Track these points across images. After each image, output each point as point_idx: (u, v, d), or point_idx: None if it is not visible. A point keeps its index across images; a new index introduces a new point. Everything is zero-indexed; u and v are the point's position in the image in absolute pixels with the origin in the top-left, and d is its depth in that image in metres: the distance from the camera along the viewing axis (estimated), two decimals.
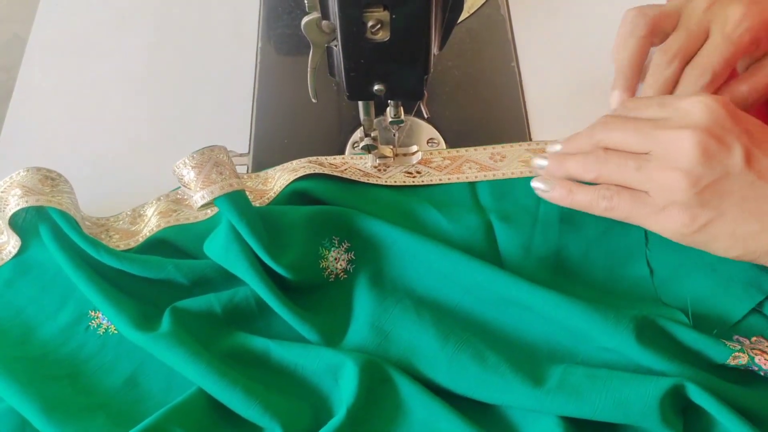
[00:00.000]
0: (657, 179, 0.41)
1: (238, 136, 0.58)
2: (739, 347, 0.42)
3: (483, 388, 0.42)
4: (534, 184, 0.46)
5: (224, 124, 0.60)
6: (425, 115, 0.53)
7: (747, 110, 0.46)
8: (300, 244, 0.46)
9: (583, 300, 0.43)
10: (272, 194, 0.51)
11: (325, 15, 0.43)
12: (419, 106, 0.52)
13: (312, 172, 0.51)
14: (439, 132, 0.57)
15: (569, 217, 0.49)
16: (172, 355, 0.43)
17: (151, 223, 0.51)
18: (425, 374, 0.43)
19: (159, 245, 0.49)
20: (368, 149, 0.53)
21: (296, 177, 0.51)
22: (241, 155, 0.57)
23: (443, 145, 0.56)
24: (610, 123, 0.44)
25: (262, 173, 0.54)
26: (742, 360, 0.41)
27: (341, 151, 0.56)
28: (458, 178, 0.52)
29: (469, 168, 0.53)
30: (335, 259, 0.48)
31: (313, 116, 0.59)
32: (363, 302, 0.46)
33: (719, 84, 0.49)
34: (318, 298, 0.47)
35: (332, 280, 0.48)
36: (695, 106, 0.42)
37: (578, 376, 0.41)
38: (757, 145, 0.41)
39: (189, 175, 0.44)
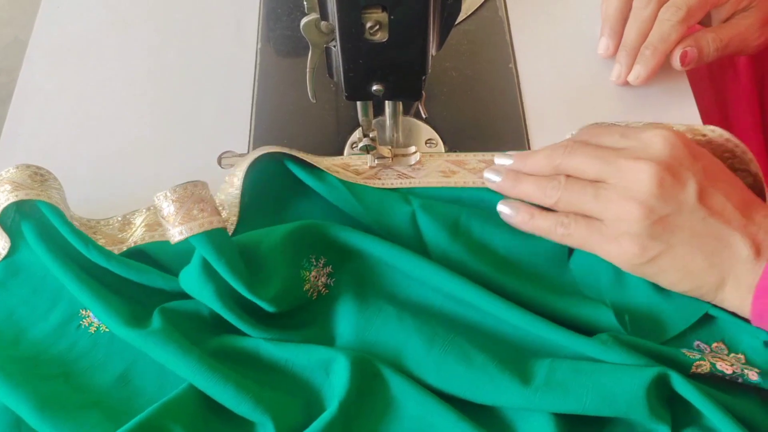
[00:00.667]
0: (612, 209, 0.42)
1: (237, 137, 0.59)
2: (700, 356, 0.42)
3: (472, 389, 0.42)
4: (500, 207, 0.48)
5: (224, 124, 0.60)
6: (423, 116, 0.53)
7: (707, 62, 0.54)
8: (281, 273, 0.46)
9: (548, 309, 0.44)
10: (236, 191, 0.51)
11: (323, 16, 0.43)
12: (417, 106, 0.53)
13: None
14: (437, 133, 0.57)
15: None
16: (163, 351, 0.43)
17: (136, 234, 0.51)
18: (415, 377, 0.43)
19: (141, 257, 0.49)
20: (367, 149, 0.53)
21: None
22: (240, 156, 0.58)
23: (441, 145, 0.56)
24: (572, 148, 0.45)
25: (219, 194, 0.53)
26: (705, 368, 0.42)
27: (340, 151, 0.57)
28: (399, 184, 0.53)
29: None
30: (315, 277, 0.47)
31: (312, 117, 0.59)
32: (346, 315, 0.46)
33: (693, 22, 0.53)
34: (302, 317, 0.47)
35: (315, 297, 0.48)
36: (656, 138, 0.43)
37: (564, 371, 0.41)
38: (712, 183, 0.42)
39: (169, 208, 0.43)
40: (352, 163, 0.54)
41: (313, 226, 0.48)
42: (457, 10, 0.46)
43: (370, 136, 0.52)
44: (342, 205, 0.50)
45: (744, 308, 0.42)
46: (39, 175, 0.49)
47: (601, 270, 0.47)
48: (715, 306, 0.44)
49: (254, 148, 0.57)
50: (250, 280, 0.44)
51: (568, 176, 0.45)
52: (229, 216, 0.51)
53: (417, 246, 0.48)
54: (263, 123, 0.59)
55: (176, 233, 0.43)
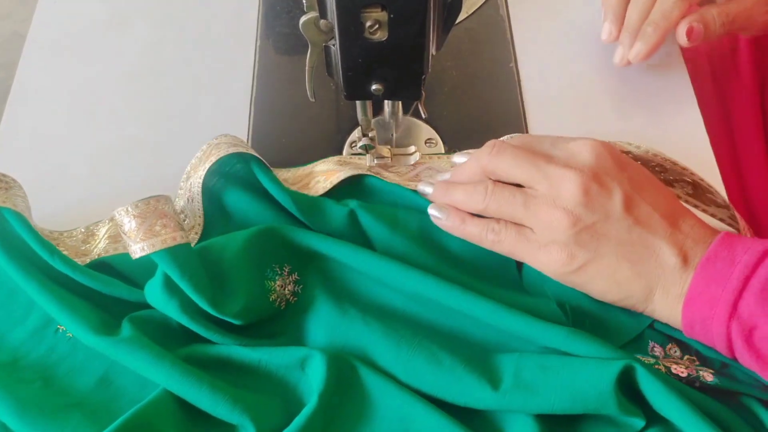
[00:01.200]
0: (541, 217, 0.42)
1: (236, 134, 0.58)
2: (654, 360, 0.42)
3: (443, 390, 0.41)
4: (430, 210, 0.47)
5: (222, 122, 0.59)
6: (423, 115, 0.53)
7: (714, 38, 0.54)
8: (246, 286, 0.45)
9: (515, 308, 0.43)
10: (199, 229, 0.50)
11: (323, 14, 0.43)
12: (417, 105, 0.52)
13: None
14: (437, 132, 0.57)
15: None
16: (134, 358, 0.42)
17: (99, 246, 0.51)
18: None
19: (105, 269, 0.49)
20: (366, 149, 0.53)
21: (205, 168, 0.50)
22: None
23: (441, 145, 0.56)
24: (500, 148, 0.45)
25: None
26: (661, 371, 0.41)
27: (339, 151, 0.56)
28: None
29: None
30: (281, 286, 0.47)
31: (311, 115, 0.59)
32: (315, 322, 0.46)
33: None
34: (272, 327, 0.47)
35: (283, 307, 0.47)
36: (583, 148, 0.43)
37: (531, 369, 0.41)
38: (638, 192, 0.42)
39: (130, 224, 0.42)
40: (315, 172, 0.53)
41: (274, 231, 0.47)
42: (458, 9, 0.46)
43: (369, 135, 0.52)
44: (288, 206, 0.49)
45: (674, 318, 0.41)
46: (3, 182, 0.49)
47: (549, 281, 0.46)
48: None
49: (253, 146, 0.57)
50: (214, 296, 0.43)
51: (496, 182, 0.45)
52: (194, 223, 0.50)
53: (361, 242, 0.48)
54: (262, 121, 0.59)
55: (138, 249, 0.42)
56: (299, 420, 0.40)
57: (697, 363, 0.43)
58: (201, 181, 0.49)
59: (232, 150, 0.49)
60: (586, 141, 0.43)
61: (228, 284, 0.44)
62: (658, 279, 0.41)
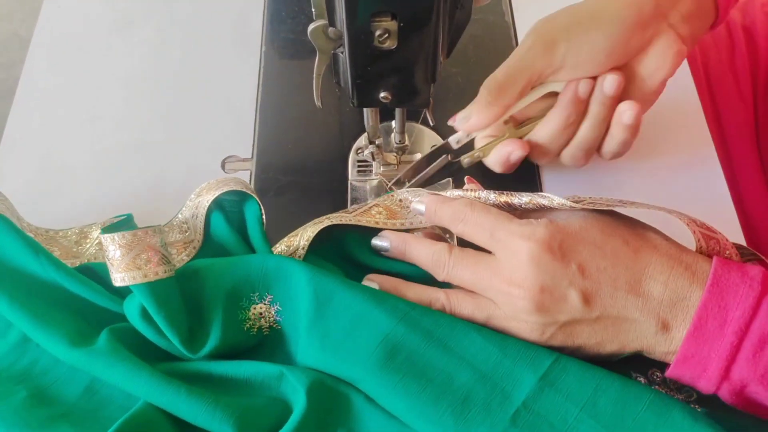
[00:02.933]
0: (506, 310, 0.41)
1: (241, 141, 0.58)
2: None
3: (420, 422, 0.40)
4: (374, 241, 0.47)
5: (227, 127, 0.59)
6: (430, 123, 0.53)
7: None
8: (220, 321, 0.44)
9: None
10: (197, 243, 0.50)
11: (332, 22, 0.43)
12: (425, 113, 0.52)
13: (214, 196, 0.49)
14: (443, 139, 0.57)
15: None
16: (112, 370, 0.42)
17: (89, 251, 0.50)
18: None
19: (90, 275, 0.48)
20: (372, 156, 0.53)
21: (201, 214, 0.50)
22: (244, 160, 0.57)
23: None
24: (449, 264, 0.43)
25: (175, 221, 0.52)
26: None
27: (345, 157, 0.56)
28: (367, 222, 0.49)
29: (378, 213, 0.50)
30: (260, 315, 0.45)
31: (317, 122, 0.58)
32: (298, 352, 0.45)
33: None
34: (255, 354, 0.46)
35: (266, 332, 0.46)
36: (522, 258, 0.40)
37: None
38: (592, 278, 0.39)
39: (114, 253, 0.42)
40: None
41: (255, 260, 0.46)
42: (467, 18, 0.46)
43: (376, 143, 0.52)
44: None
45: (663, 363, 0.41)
46: None
47: None
48: None
49: (258, 153, 0.57)
50: (190, 332, 0.43)
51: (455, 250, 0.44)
52: (194, 238, 0.50)
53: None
54: (267, 127, 0.59)
55: (118, 278, 0.42)
56: (290, 424, 0.39)
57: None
58: (209, 203, 0.49)
59: (248, 192, 0.49)
60: (522, 245, 0.40)
61: (204, 316, 0.44)
62: (642, 343, 0.40)
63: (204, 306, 0.44)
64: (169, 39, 0.66)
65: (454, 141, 0.51)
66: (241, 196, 0.50)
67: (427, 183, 0.53)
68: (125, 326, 0.45)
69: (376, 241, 0.47)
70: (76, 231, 0.52)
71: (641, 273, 0.39)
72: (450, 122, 0.50)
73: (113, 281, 0.42)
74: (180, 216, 0.52)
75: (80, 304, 0.46)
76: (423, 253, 0.45)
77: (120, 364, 0.41)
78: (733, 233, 0.51)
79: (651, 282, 0.39)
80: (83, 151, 0.59)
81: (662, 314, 0.39)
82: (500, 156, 0.50)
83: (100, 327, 0.44)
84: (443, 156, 0.51)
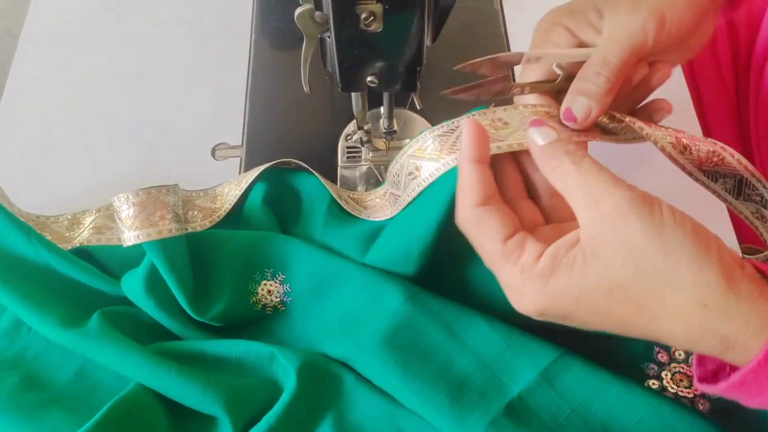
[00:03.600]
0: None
1: (231, 128, 0.58)
2: (659, 384, 0.42)
3: (423, 409, 0.40)
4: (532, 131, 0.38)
5: (218, 116, 0.60)
6: (418, 107, 0.53)
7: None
8: (229, 287, 0.45)
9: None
10: (222, 212, 0.50)
11: (318, 6, 0.43)
12: (412, 98, 0.52)
13: (257, 173, 0.50)
14: (432, 125, 0.57)
15: None
16: (102, 350, 0.42)
17: (83, 235, 0.51)
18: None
19: (83, 257, 0.49)
20: (361, 142, 0.53)
21: (241, 187, 0.50)
22: (234, 147, 0.57)
23: None
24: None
25: (210, 190, 0.52)
26: (655, 387, 0.42)
27: (334, 143, 0.56)
28: None
29: None
30: (269, 292, 0.46)
31: (307, 109, 0.59)
32: (298, 335, 0.45)
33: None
34: (256, 332, 0.46)
35: (269, 312, 0.46)
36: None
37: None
38: (595, 329, 0.34)
39: (128, 211, 0.42)
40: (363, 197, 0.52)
41: (276, 239, 0.46)
42: (452, 2, 0.46)
43: (365, 128, 0.52)
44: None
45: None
46: None
47: None
48: None
49: (247, 141, 0.57)
50: (196, 294, 0.43)
51: None
52: (223, 205, 0.50)
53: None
54: (257, 115, 0.59)
55: (132, 236, 0.42)
56: (280, 405, 0.40)
57: None
58: (253, 177, 0.50)
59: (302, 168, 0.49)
60: (513, 297, 0.35)
61: (212, 283, 0.44)
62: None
63: (217, 270, 0.45)
64: (159, 28, 0.66)
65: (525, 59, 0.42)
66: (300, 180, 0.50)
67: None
68: (117, 309, 0.45)
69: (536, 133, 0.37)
70: (68, 217, 0.52)
71: (661, 339, 0.33)
72: (569, 122, 0.40)
73: (124, 242, 0.42)
74: (218, 188, 0.52)
75: (72, 287, 0.46)
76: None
77: (111, 344, 0.42)
78: (720, 226, 0.51)
79: (666, 347, 0.35)
80: (74, 141, 0.59)
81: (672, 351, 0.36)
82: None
83: (92, 310, 0.45)
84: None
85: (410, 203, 0.43)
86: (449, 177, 0.40)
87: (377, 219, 0.48)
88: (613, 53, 0.39)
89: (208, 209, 0.50)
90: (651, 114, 0.43)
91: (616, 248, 0.32)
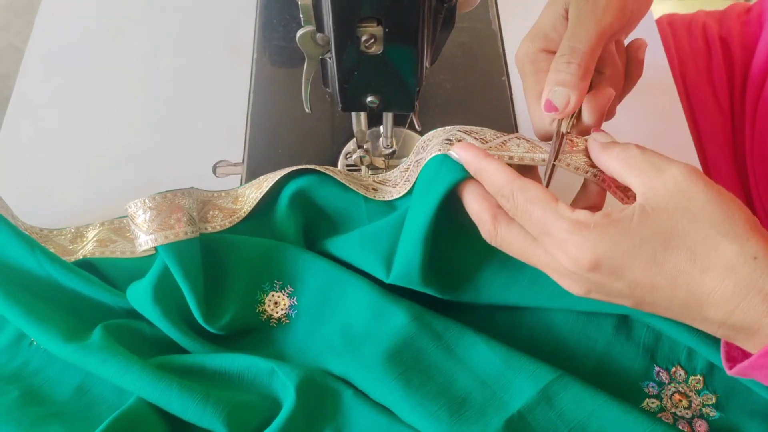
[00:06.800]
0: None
1: (232, 146, 0.59)
2: (658, 405, 0.42)
3: (422, 424, 0.40)
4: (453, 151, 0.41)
5: (219, 133, 0.60)
6: (417, 128, 0.54)
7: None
8: (239, 294, 0.45)
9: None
10: (242, 213, 0.50)
11: (319, 28, 0.44)
12: (412, 118, 0.53)
13: (278, 177, 0.50)
14: None
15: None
16: (104, 365, 0.42)
17: (86, 249, 0.51)
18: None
19: (87, 269, 0.49)
20: (361, 160, 0.54)
21: (261, 190, 0.50)
22: (235, 165, 0.58)
23: None
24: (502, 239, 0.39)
25: (232, 191, 0.52)
26: (654, 407, 0.42)
27: (334, 162, 0.57)
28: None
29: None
30: (275, 303, 0.46)
31: (307, 127, 0.59)
32: (300, 349, 0.46)
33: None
34: (256, 343, 0.46)
35: (273, 324, 0.47)
36: (563, 274, 0.37)
37: None
38: (644, 291, 0.35)
39: (144, 216, 0.42)
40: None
41: (287, 251, 0.46)
42: (451, 25, 0.47)
43: (364, 147, 0.53)
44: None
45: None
46: None
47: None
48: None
49: (248, 158, 0.58)
50: (206, 301, 0.43)
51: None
52: (243, 207, 0.50)
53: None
54: (258, 132, 0.60)
55: (149, 240, 0.42)
56: (278, 421, 0.40)
57: (702, 386, 0.43)
58: (274, 180, 0.49)
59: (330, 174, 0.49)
60: (565, 264, 0.36)
61: (224, 285, 0.45)
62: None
63: (229, 276, 0.45)
64: (161, 46, 0.67)
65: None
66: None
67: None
68: (119, 323, 0.46)
69: (455, 151, 0.41)
70: (72, 230, 0.53)
71: (704, 298, 0.34)
72: (551, 113, 0.42)
73: (139, 246, 0.43)
74: (240, 189, 0.52)
75: (75, 300, 0.47)
76: (476, 204, 0.40)
77: (113, 359, 0.42)
78: None
79: (712, 309, 0.34)
80: (76, 158, 0.59)
81: (723, 333, 0.35)
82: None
83: (95, 323, 0.45)
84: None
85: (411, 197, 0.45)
86: (443, 176, 0.41)
87: (395, 197, 0.48)
88: (581, 40, 0.41)
89: (228, 209, 0.50)
90: (635, 53, 0.46)
91: (678, 201, 0.35)
